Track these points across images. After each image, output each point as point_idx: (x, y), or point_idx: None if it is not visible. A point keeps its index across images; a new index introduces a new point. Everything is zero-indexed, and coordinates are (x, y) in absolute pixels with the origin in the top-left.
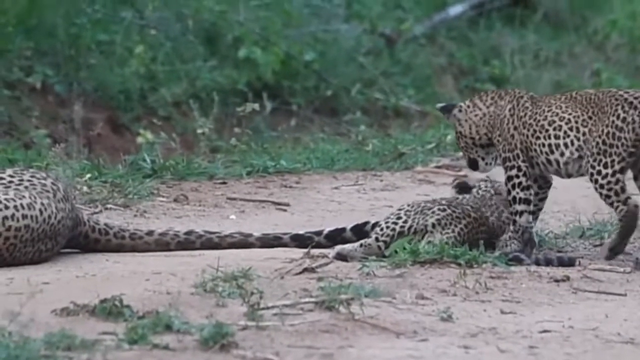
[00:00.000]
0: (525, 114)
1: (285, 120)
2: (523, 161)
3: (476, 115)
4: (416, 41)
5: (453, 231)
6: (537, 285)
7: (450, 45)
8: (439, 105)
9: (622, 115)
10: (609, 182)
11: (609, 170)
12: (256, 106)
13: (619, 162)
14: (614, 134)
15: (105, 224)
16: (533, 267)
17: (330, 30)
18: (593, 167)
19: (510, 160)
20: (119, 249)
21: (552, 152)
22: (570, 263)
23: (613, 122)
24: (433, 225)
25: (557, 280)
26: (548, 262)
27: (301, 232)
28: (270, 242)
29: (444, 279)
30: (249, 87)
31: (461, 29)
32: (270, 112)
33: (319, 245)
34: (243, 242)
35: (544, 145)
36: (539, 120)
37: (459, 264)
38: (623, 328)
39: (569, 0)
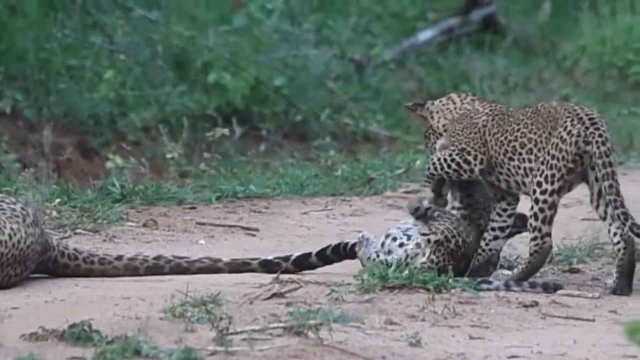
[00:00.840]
0: (498, 131)
1: (254, 145)
2: (481, 171)
3: (448, 108)
4: (385, 66)
5: (437, 263)
6: (506, 311)
7: (420, 71)
8: (409, 103)
9: (568, 127)
10: (544, 201)
11: (549, 187)
12: (225, 131)
13: (558, 179)
14: (557, 144)
15: (75, 249)
16: (502, 293)
17: (299, 56)
18: (535, 176)
19: (470, 155)
20: (88, 273)
21: (526, 175)
22: (546, 289)
23: (559, 133)
24: (434, 242)
25: (525, 306)
26: (519, 287)
27: (270, 257)
28: (238, 267)
29: (412, 304)
30: (218, 112)
31: (430, 54)
32: (240, 137)
33: (286, 271)
34: (212, 267)
35: (519, 167)
36: (510, 141)
37: (428, 289)
38: (591, 354)
39: (538, 25)
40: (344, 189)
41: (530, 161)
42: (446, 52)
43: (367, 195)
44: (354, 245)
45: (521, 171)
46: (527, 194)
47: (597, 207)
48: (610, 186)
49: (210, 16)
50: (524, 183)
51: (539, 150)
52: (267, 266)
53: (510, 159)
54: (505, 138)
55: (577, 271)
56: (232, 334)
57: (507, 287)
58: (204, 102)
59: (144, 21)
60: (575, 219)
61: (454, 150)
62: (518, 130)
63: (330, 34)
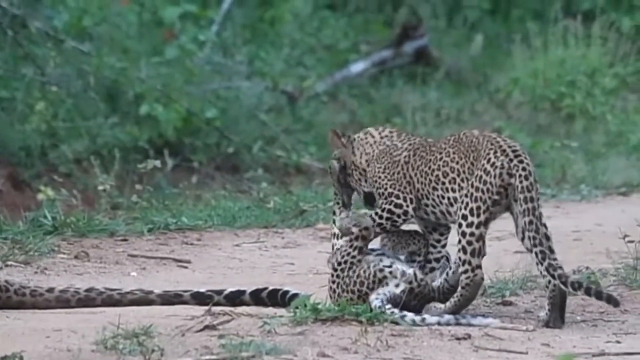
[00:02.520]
0: (422, 163)
1: (186, 177)
2: (413, 209)
3: (367, 143)
4: (318, 98)
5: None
6: (439, 343)
7: (352, 103)
8: (336, 130)
9: (492, 159)
10: (472, 234)
11: (475, 220)
12: (157, 163)
13: (484, 212)
14: (481, 177)
15: (6, 281)
16: (435, 326)
17: (232, 88)
18: (460, 208)
19: (399, 199)
20: (20, 306)
21: (451, 204)
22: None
23: (483, 165)
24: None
25: (458, 338)
26: (465, 320)
27: (202, 290)
28: (170, 299)
29: (345, 336)
30: (150, 144)
31: (363, 86)
32: (172, 169)
33: (218, 304)
34: (144, 299)
35: (443, 197)
36: (433, 170)
37: (361, 322)
38: None
39: (471, 58)
40: (276, 221)
41: (454, 190)
42: (378, 84)
43: (300, 228)
44: (293, 295)
45: (445, 201)
46: (454, 223)
47: (523, 239)
48: (530, 222)
49: (142, 47)
50: (449, 212)
51: (462, 180)
52: (199, 298)
53: (434, 188)
54: (429, 168)
55: (510, 304)
56: None
57: (457, 321)
58: (136, 133)
59: (75, 53)
60: (508, 252)
61: (381, 197)
62: (441, 159)
63: (262, 66)
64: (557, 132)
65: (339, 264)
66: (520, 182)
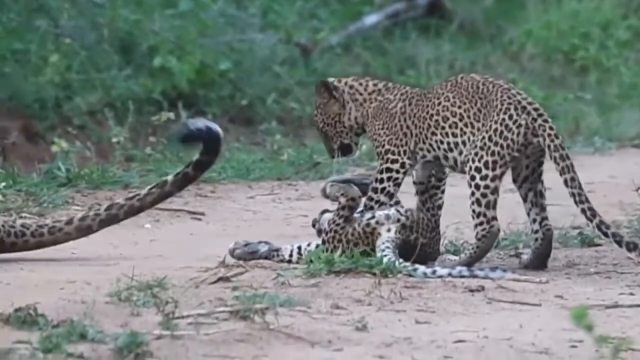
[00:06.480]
0: (419, 110)
1: None
2: (408, 158)
3: (356, 100)
4: (332, 51)
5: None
6: (452, 295)
7: (366, 55)
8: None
9: (514, 116)
10: (486, 186)
11: (490, 173)
12: (171, 115)
13: (500, 166)
14: (501, 132)
15: (22, 225)
16: (448, 278)
17: (245, 40)
18: (473, 160)
19: (395, 154)
20: (39, 246)
21: (450, 150)
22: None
23: (503, 120)
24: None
25: (471, 290)
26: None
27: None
28: (183, 183)
29: (358, 288)
30: (164, 96)
31: (376, 38)
32: None
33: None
34: (162, 194)
35: (442, 142)
36: (432, 115)
37: (374, 274)
38: (537, 338)
39: (484, 10)
40: (290, 174)
41: (455, 135)
42: (392, 36)
43: (313, 180)
44: None
45: (444, 145)
46: (451, 168)
47: (520, 187)
48: (573, 179)
49: (156, 0)
50: (446, 157)
51: (465, 125)
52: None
53: (433, 133)
54: (427, 113)
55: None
56: (178, 318)
57: (472, 274)
58: (150, 86)
59: (89, 5)
60: (521, 204)
61: (379, 156)
62: (439, 104)
63: (276, 18)
64: (571, 85)
65: (327, 233)
66: (552, 141)
